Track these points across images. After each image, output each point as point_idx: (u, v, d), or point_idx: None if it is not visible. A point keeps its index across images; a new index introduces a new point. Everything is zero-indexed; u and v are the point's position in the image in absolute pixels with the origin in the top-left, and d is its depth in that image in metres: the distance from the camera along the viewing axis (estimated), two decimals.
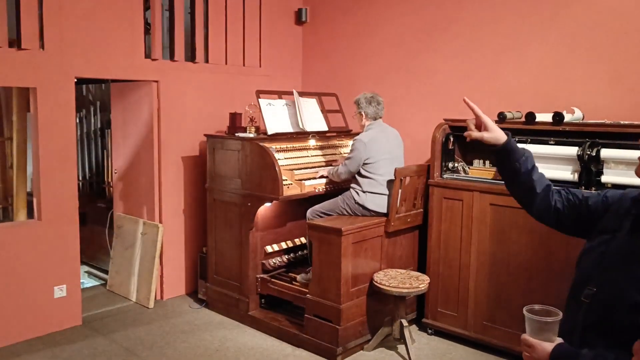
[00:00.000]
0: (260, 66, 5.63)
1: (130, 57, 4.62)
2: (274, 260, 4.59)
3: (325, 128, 4.85)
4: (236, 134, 4.48)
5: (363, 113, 4.26)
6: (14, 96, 5.07)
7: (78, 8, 4.27)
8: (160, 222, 4.95)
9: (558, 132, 3.73)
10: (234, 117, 4.69)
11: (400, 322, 3.94)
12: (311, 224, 4.07)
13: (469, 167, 4.30)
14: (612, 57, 3.91)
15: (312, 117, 4.76)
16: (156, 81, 4.82)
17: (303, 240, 4.79)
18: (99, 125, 6.13)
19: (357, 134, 4.39)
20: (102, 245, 5.59)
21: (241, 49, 5.45)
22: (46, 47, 4.13)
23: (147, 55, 4.76)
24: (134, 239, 5.08)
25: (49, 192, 4.22)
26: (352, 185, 4.24)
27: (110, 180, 5.77)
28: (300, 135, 4.63)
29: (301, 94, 4.80)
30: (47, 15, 4.10)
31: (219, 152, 4.58)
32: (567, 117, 3.77)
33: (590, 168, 3.59)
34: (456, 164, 4.34)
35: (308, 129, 4.64)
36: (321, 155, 4.74)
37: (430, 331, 4.34)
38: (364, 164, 4.12)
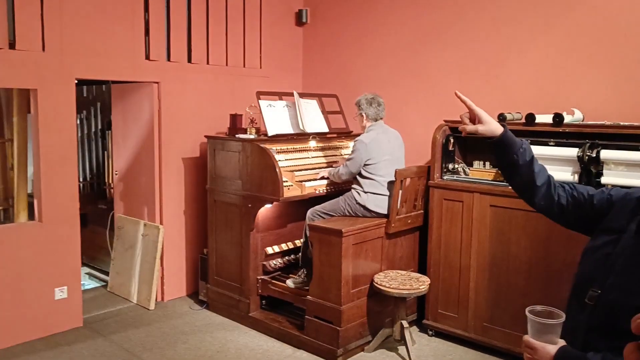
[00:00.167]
0: (260, 67, 5.63)
1: (130, 58, 4.63)
2: (274, 261, 4.60)
3: (325, 129, 4.85)
4: (237, 135, 4.48)
5: (364, 114, 4.26)
6: (14, 97, 5.07)
7: (78, 9, 4.28)
8: (161, 223, 4.95)
9: (558, 133, 3.74)
10: (235, 119, 4.69)
11: (401, 323, 3.95)
12: (311, 225, 4.07)
13: (469, 169, 4.31)
14: (612, 59, 3.92)
15: (313, 119, 4.76)
16: (157, 82, 4.83)
17: None
18: (99, 127, 6.14)
19: (358, 135, 4.39)
20: (103, 247, 5.59)
21: (242, 50, 5.46)
22: (47, 48, 4.13)
23: (148, 56, 4.77)
24: (135, 240, 5.08)
25: (50, 193, 4.23)
26: (354, 186, 4.24)
27: (110, 181, 5.77)
28: (301, 136, 4.63)
29: (302, 95, 4.81)
30: (48, 16, 4.11)
31: (219, 154, 4.58)
32: (567, 119, 3.77)
33: (590, 169, 3.59)
34: (456, 166, 4.34)
35: (308, 130, 4.64)
36: (322, 156, 4.75)
37: (430, 332, 4.34)
38: (365, 164, 4.13)
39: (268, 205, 4.41)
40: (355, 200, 4.17)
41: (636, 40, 3.81)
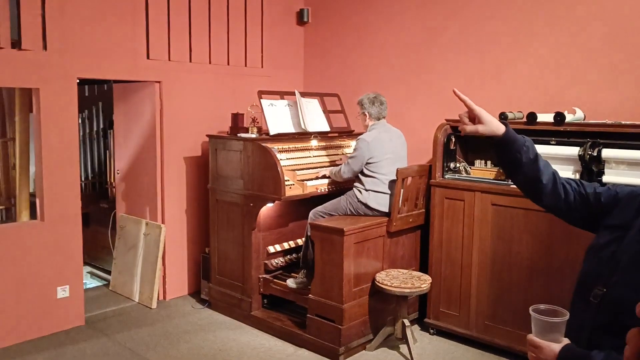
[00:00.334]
0: (262, 67, 5.64)
1: (132, 57, 4.63)
2: (276, 260, 4.60)
3: (327, 128, 4.85)
4: (238, 135, 4.49)
5: (366, 113, 4.27)
6: (16, 97, 5.08)
7: (80, 9, 4.28)
8: (163, 222, 4.96)
9: (559, 132, 3.74)
10: (236, 118, 4.70)
11: (403, 322, 3.95)
12: (313, 224, 4.08)
13: (470, 167, 4.31)
14: (614, 58, 3.92)
15: (314, 118, 4.77)
16: (158, 82, 4.84)
17: None
18: (101, 126, 6.14)
19: (359, 134, 4.40)
20: (105, 246, 5.60)
21: (243, 49, 5.46)
22: (49, 47, 4.14)
23: (149, 55, 4.77)
24: (137, 240, 5.09)
25: (52, 192, 4.24)
26: (355, 184, 4.25)
27: (112, 180, 5.78)
28: (302, 135, 4.64)
29: (303, 95, 4.81)
30: (50, 16, 4.11)
31: (221, 153, 4.59)
32: (569, 118, 3.77)
33: (591, 168, 3.59)
34: (458, 164, 4.35)
35: (310, 129, 4.65)
36: (323, 155, 4.75)
37: (432, 331, 4.35)
38: (367, 163, 4.13)
39: (270, 205, 4.41)
40: (357, 199, 4.18)
41: (638, 40, 3.81)
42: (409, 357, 3.91)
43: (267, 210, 4.51)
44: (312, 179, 4.39)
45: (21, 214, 5.17)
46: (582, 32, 4.05)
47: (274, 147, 4.28)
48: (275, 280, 4.45)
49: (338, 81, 5.61)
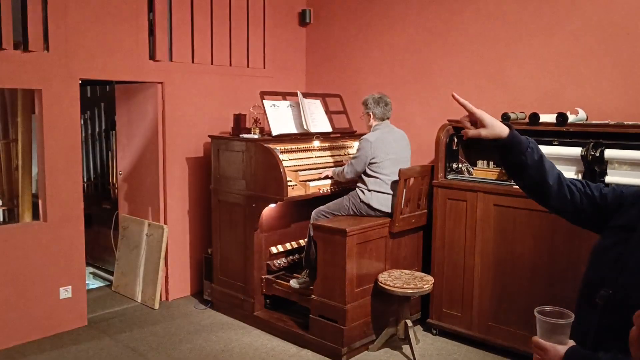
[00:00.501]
0: (264, 67, 5.64)
1: (134, 58, 4.64)
2: (278, 261, 4.61)
3: (329, 129, 4.86)
4: (241, 135, 4.49)
5: (371, 113, 4.27)
6: (19, 98, 5.09)
7: (83, 10, 4.29)
8: (165, 223, 4.97)
9: (562, 132, 3.74)
10: (239, 119, 4.70)
11: (405, 322, 3.95)
12: (315, 225, 4.08)
13: (472, 168, 4.31)
14: (616, 58, 3.91)
15: (317, 118, 4.77)
16: (161, 82, 4.84)
17: None
18: (103, 127, 6.15)
19: (362, 135, 4.40)
20: (108, 247, 5.61)
21: (245, 50, 5.47)
22: (51, 49, 4.14)
23: (152, 56, 4.78)
24: (139, 240, 5.10)
25: (54, 193, 4.24)
26: (358, 184, 4.25)
27: (115, 181, 5.79)
28: (305, 136, 4.64)
29: (305, 95, 4.81)
30: (52, 17, 4.12)
31: (223, 153, 4.59)
32: (571, 118, 3.77)
33: (594, 169, 3.59)
34: (460, 165, 4.34)
35: (312, 130, 4.65)
36: (325, 156, 4.75)
37: (434, 331, 4.35)
38: (370, 163, 4.13)
39: (272, 205, 4.41)
40: (360, 199, 4.18)
41: None
42: (412, 358, 3.91)
43: (270, 210, 4.51)
44: (314, 180, 4.39)
45: (24, 214, 5.18)
46: (584, 32, 4.04)
47: (277, 147, 4.28)
48: (277, 280, 4.45)
49: (340, 82, 5.61)
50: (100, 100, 6.10)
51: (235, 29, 5.35)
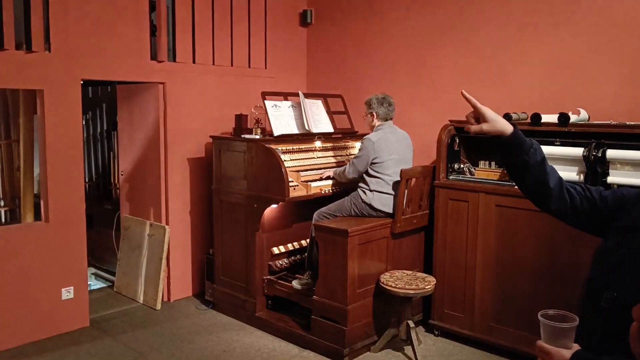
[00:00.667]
0: (265, 68, 5.64)
1: (136, 59, 4.64)
2: (280, 261, 4.61)
3: (331, 129, 4.85)
4: (242, 136, 4.49)
5: (374, 113, 4.26)
6: (20, 98, 5.09)
7: (84, 10, 4.29)
8: (167, 223, 4.97)
9: (564, 133, 3.73)
10: (240, 119, 4.70)
11: (407, 323, 3.95)
12: (317, 225, 4.08)
13: (474, 169, 4.30)
14: (618, 58, 3.91)
15: (318, 119, 4.77)
16: (162, 83, 4.84)
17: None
18: (105, 127, 6.15)
19: (363, 135, 4.39)
20: (109, 247, 5.61)
21: (246, 50, 5.47)
22: (53, 49, 4.15)
23: (153, 57, 4.78)
24: (141, 241, 5.10)
25: (56, 194, 4.24)
26: (360, 184, 4.25)
27: (116, 182, 5.79)
28: (306, 136, 4.64)
29: (307, 96, 4.81)
30: (54, 17, 4.12)
31: (225, 154, 4.59)
32: (573, 118, 3.76)
33: (596, 169, 3.58)
34: (462, 165, 4.34)
35: (314, 130, 4.65)
36: (327, 156, 4.75)
37: (436, 332, 4.34)
38: (372, 163, 4.13)
39: (274, 206, 4.41)
40: (361, 199, 4.18)
41: None
42: (414, 359, 3.90)
43: (271, 211, 4.51)
44: (316, 180, 4.39)
45: (26, 215, 5.19)
46: (587, 33, 4.04)
47: (278, 148, 4.28)
48: (279, 281, 4.45)
49: (341, 82, 5.60)
50: (101, 100, 6.11)
51: (237, 30, 5.35)
